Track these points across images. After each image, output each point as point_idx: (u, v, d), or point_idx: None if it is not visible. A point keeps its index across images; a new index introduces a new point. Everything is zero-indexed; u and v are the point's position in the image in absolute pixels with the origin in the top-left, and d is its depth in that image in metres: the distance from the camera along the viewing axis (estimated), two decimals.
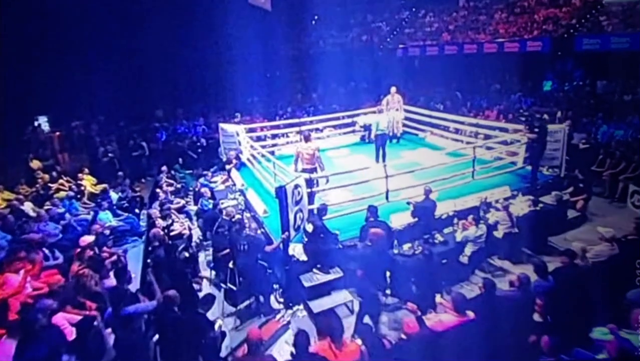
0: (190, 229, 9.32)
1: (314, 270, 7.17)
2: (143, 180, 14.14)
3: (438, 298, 5.96)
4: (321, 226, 7.28)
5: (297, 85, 21.83)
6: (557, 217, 8.09)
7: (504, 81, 18.66)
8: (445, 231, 8.01)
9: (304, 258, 7.24)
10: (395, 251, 7.44)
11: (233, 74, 20.34)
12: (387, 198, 8.44)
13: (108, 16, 16.40)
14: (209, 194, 9.66)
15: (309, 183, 7.63)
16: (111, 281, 6.16)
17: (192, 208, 10.52)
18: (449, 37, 21.32)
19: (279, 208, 6.90)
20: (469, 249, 7.46)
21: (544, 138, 9.05)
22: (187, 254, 7.27)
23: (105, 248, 8.21)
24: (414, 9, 24.80)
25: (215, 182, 11.10)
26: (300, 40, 25.00)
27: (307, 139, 8.38)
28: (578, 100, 15.75)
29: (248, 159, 11.65)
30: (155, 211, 8.90)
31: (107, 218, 9.84)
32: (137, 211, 10.98)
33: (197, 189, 10.92)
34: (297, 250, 7.30)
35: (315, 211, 7.44)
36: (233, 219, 8.25)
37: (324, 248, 7.24)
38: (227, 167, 11.42)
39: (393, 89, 12.65)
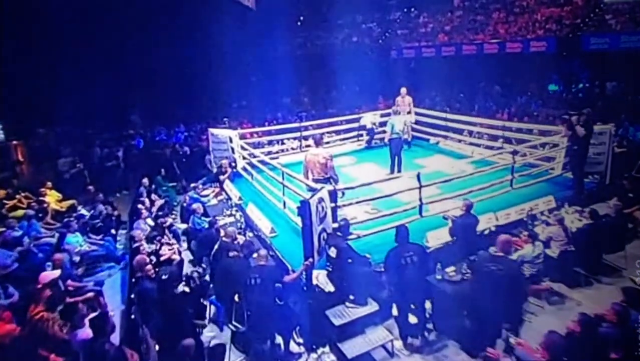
0: (180, 253, 7.95)
1: (346, 303, 5.94)
2: (118, 194, 12.64)
3: (512, 340, 4.84)
4: (347, 249, 6.10)
5: (286, 88, 20.65)
6: (616, 231, 7.14)
7: (508, 83, 18.00)
8: (492, 250, 6.90)
9: (330, 288, 6.01)
10: (438, 277, 6.29)
11: (215, 77, 19.15)
12: (420, 212, 7.31)
13: (75, 13, 14.93)
14: (201, 210, 8.32)
15: (333, 196, 6.42)
16: (86, 332, 4.75)
17: (180, 226, 9.16)
18: (446, 38, 20.68)
19: (302, 228, 5.66)
20: (525, 271, 6.37)
21: (588, 140, 8.15)
22: (187, 289, 5.90)
23: (70, 282, 6.80)
24: (405, 10, 24.16)
25: (206, 196, 9.75)
26: (287, 41, 23.93)
27: (318, 143, 7.14)
28: (591, 101, 15.16)
29: (244, 168, 10.37)
30: (139, 232, 7.49)
31: (76, 241, 8.39)
32: (113, 231, 9.52)
33: (185, 204, 9.57)
34: (321, 279, 6.08)
35: (337, 231, 6.25)
36: (235, 241, 6.98)
37: (355, 276, 6.03)
38: (221, 178, 10.11)
39: (403, 90, 11.67)
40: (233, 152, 10.63)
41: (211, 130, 10.76)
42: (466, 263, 6.41)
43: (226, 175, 10.28)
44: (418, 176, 7.16)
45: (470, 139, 11.89)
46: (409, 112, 11.63)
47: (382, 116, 12.75)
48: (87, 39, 15.37)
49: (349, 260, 6.07)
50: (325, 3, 24.82)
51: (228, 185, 9.95)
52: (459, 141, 11.95)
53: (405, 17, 23.96)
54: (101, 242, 8.89)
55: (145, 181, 10.19)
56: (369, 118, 12.74)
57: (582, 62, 16.95)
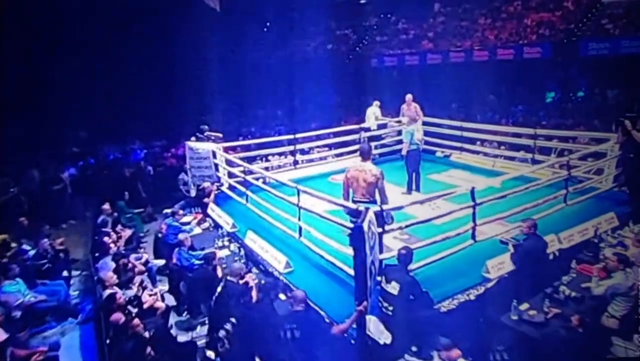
0: (163, 299, 6.56)
1: (406, 357, 4.82)
2: (64, 225, 10.93)
3: None
4: (412, 283, 5.03)
5: (257, 100, 19.55)
6: None
7: (502, 92, 17.83)
8: (564, 279, 6.04)
9: (386, 338, 4.87)
10: (514, 317, 5.32)
11: (176, 86, 17.75)
12: (473, 236, 6.35)
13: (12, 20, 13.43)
14: (189, 242, 6.96)
15: (380, 219, 5.32)
16: None
17: (155, 263, 7.74)
18: (430, 45, 20.45)
19: (355, 261, 4.53)
20: (617, 308, 5.48)
21: None
22: (211, 355, 4.60)
23: (12, 349, 5.30)
24: (382, 15, 23.91)
25: (187, 223, 8.37)
26: (254, 48, 22.96)
27: (366, 156, 5.96)
28: (596, 110, 15.14)
29: (232, 188, 9.10)
30: (110, 274, 6.03)
31: (17, 290, 6.76)
32: (65, 273, 7.90)
33: (160, 234, 8.16)
34: (372, 327, 4.92)
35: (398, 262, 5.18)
36: (241, 281, 5.76)
37: (418, 319, 4.97)
38: (205, 200, 8.77)
39: (409, 97, 10.75)
40: (217, 169, 9.33)
41: (189, 143, 9.43)
42: (548, 299, 5.49)
43: (211, 197, 8.97)
44: (472, 193, 6.21)
45: (485, 149, 11.21)
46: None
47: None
48: (22, 45, 13.77)
49: (412, 297, 5.01)
50: (293, 8, 24.17)
51: (214, 210, 8.63)
52: (477, 152, 11.23)
53: (383, 23, 23.70)
54: (51, 289, 7.28)
55: (107, 207, 8.67)
56: (372, 111, 11.90)
57: (580, 69, 17.01)
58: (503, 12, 20.06)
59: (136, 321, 4.64)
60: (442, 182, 9.83)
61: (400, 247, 5.40)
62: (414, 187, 9.22)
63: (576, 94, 17.21)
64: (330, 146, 12.18)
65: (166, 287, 7.30)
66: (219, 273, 6.44)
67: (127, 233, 8.40)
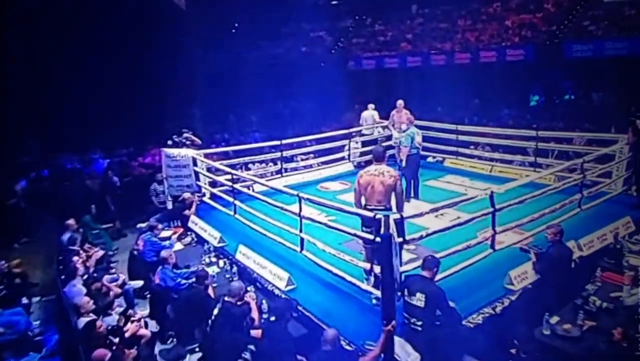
0: (147, 325, 6.00)
1: None
2: (16, 245, 10.08)
3: None
4: (439, 293, 4.71)
5: (228, 104, 19.00)
6: None
7: (487, 95, 18.01)
8: (590, 288, 5.87)
9: (415, 360, 4.52)
10: (546, 332, 5.08)
11: (139, 91, 16.99)
12: (492, 245, 6.11)
13: None
14: (174, 259, 6.43)
15: (400, 227, 4.99)
16: None
17: (132, 284, 7.15)
18: (410, 47, 20.54)
19: (382, 275, 4.18)
20: None
21: None
22: None
23: None
24: (357, 17, 23.91)
25: (166, 239, 7.80)
26: (223, 50, 22.43)
27: (381, 158, 5.66)
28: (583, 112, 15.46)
29: (216, 198, 8.62)
30: (86, 300, 5.43)
31: None
32: (24, 300, 7.18)
33: (137, 251, 7.59)
34: (398, 348, 4.56)
35: (423, 270, 4.86)
36: (240, 302, 5.33)
37: (448, 336, 4.65)
38: (187, 212, 8.24)
39: (400, 103, 10.71)
40: (197, 178, 8.81)
41: (166, 150, 8.88)
42: (581, 311, 5.28)
43: (192, 209, 8.43)
44: (491, 198, 5.98)
45: (483, 153, 11.13)
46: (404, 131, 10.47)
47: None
48: None
49: (437, 312, 4.71)
50: (261, 9, 23.81)
51: (197, 222, 8.11)
52: (472, 157, 11.12)
53: (358, 24, 23.70)
54: (9, 319, 6.56)
55: (72, 223, 7.99)
56: (369, 114, 11.73)
57: (564, 71, 17.36)
58: (483, 14, 20.39)
59: (132, 352, 4.10)
60: (440, 188, 9.67)
61: (427, 254, 5.09)
62: (412, 194, 8.98)
63: (561, 97, 17.55)
64: (316, 153, 11.82)
65: (146, 311, 6.74)
66: (211, 293, 5.98)
67: (99, 252, 7.76)
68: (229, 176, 8.17)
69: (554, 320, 5.26)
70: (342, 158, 11.47)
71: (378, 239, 4.62)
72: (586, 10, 17.65)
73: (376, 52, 20.96)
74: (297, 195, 6.13)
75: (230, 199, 8.01)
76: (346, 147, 11.51)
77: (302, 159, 12.03)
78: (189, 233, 8.15)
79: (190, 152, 8.83)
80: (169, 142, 9.11)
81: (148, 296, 7.14)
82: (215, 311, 5.27)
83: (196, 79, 18.69)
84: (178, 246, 7.76)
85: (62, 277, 6.69)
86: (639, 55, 14.71)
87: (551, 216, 6.78)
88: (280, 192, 6.79)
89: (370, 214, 5.04)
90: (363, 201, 5.57)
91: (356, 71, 20.88)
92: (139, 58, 17.28)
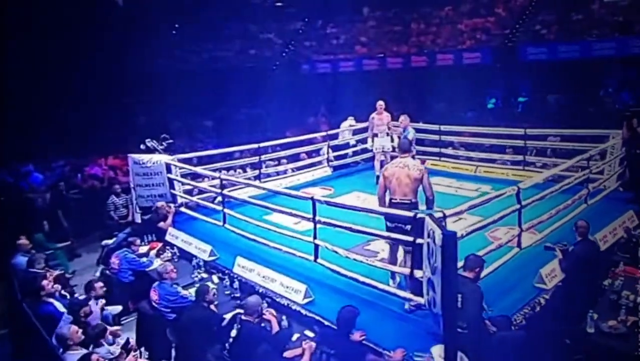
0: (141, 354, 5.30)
1: None
2: None
3: None
4: (479, 294, 4.48)
5: (176, 110, 18.05)
6: None
7: (448, 98, 18.42)
8: (616, 283, 5.89)
9: None
10: (590, 330, 5.00)
11: (76, 95, 15.81)
12: (519, 245, 6.01)
13: None
14: (174, 274, 5.75)
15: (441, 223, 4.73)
16: None
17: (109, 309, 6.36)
18: (365, 50, 20.66)
19: (442, 282, 3.86)
20: None
21: None
22: None
23: None
24: (306, 19, 23.78)
25: (144, 255, 7.06)
26: (164, 52, 21.47)
27: (407, 150, 5.53)
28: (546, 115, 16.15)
29: (198, 208, 7.99)
30: (73, 329, 4.67)
31: None
32: None
33: (110, 271, 6.82)
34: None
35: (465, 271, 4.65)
36: (257, 319, 4.88)
37: (498, 339, 4.44)
38: (162, 225, 7.51)
39: (380, 104, 10.23)
40: (172, 186, 8.11)
41: (134, 156, 8.10)
42: (624, 308, 5.25)
43: (167, 222, 7.72)
44: (518, 194, 5.87)
45: (469, 153, 11.17)
46: (387, 135, 10.20)
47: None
48: None
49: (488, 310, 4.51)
50: (201, 9, 23.07)
51: (177, 236, 7.42)
52: (456, 157, 11.15)
53: (308, 27, 23.57)
54: None
55: (25, 242, 7.04)
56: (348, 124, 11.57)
57: (521, 74, 18.12)
58: (435, 17, 20.91)
59: None
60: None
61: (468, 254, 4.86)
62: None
63: (518, 99, 18.29)
64: (290, 158, 11.36)
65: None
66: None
67: (55, 273, 6.84)
68: (215, 182, 7.56)
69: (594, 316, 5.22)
70: (319, 163, 11.12)
71: (428, 240, 4.32)
72: (535, 15, 18.55)
73: (331, 55, 20.87)
74: (312, 198, 5.71)
75: (218, 208, 7.39)
76: (322, 152, 11.19)
77: (275, 165, 11.51)
78: (167, 247, 7.43)
79: (163, 158, 8.12)
80: (142, 146, 8.36)
81: (123, 322, 6.46)
82: (233, 333, 4.74)
83: (142, 83, 17.67)
84: (157, 262, 7.04)
85: (27, 305, 5.81)
86: (590, 58, 15.71)
87: (565, 212, 6.81)
88: (292, 197, 6.34)
89: (410, 213, 4.74)
90: (387, 196, 5.33)
91: (311, 74, 20.67)
92: (74, 60, 16.07)
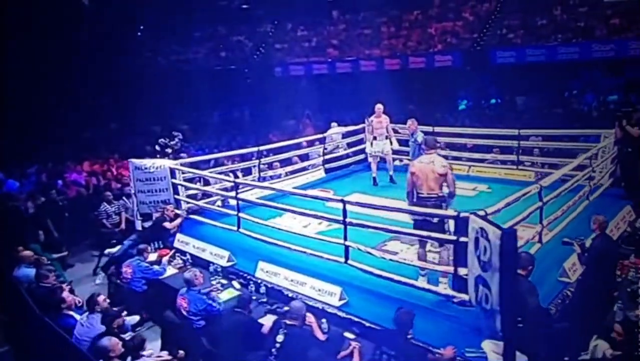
0: None
1: None
2: None
3: None
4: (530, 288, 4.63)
5: (150, 113, 17.54)
6: None
7: (421, 99, 18.79)
8: (631, 275, 6.17)
9: None
10: (618, 319, 5.21)
11: (44, 98, 15.11)
12: (540, 240, 6.20)
13: None
14: (200, 280, 5.57)
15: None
16: None
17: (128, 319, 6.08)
18: (337, 53, 20.77)
19: (501, 279, 3.91)
20: None
21: None
22: None
23: None
24: (276, 22, 23.67)
25: (156, 262, 6.81)
26: (131, 54, 20.83)
27: (433, 146, 5.81)
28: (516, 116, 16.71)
29: (203, 213, 7.78)
30: (114, 342, 4.44)
31: None
32: None
33: (122, 280, 6.54)
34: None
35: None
36: (304, 323, 4.82)
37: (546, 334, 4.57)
38: (168, 227, 7.26)
39: (379, 107, 10.11)
40: (176, 191, 7.85)
41: (135, 161, 7.80)
42: None
43: (176, 226, 7.48)
44: (540, 192, 6.06)
45: (462, 154, 11.34)
46: (387, 138, 10.13)
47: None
48: None
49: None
50: (167, 11, 22.52)
51: (188, 242, 7.20)
52: (445, 158, 11.30)
53: (278, 30, 23.47)
54: None
55: (29, 253, 6.65)
56: (335, 131, 11.56)
57: (491, 77, 18.72)
58: (404, 21, 21.29)
59: None
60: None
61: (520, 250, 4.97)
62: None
63: (488, 101, 18.88)
64: (283, 162, 11.20)
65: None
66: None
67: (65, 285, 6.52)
68: (226, 185, 7.38)
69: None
70: (315, 165, 11.09)
71: (475, 237, 4.39)
72: (502, 20, 19.21)
73: (303, 58, 20.85)
74: (342, 200, 5.69)
75: (232, 212, 7.19)
76: (317, 154, 11.18)
77: (273, 168, 11.34)
78: (177, 254, 7.19)
79: (167, 163, 7.86)
80: (157, 147, 8.10)
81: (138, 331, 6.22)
82: (280, 338, 4.64)
83: (110, 86, 17.08)
84: (171, 271, 6.81)
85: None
86: (556, 61, 16.46)
87: (572, 208, 7.05)
88: (318, 199, 6.30)
89: (452, 213, 4.80)
90: (414, 193, 5.58)
91: (284, 77, 20.57)
92: (43, 62, 15.35)
